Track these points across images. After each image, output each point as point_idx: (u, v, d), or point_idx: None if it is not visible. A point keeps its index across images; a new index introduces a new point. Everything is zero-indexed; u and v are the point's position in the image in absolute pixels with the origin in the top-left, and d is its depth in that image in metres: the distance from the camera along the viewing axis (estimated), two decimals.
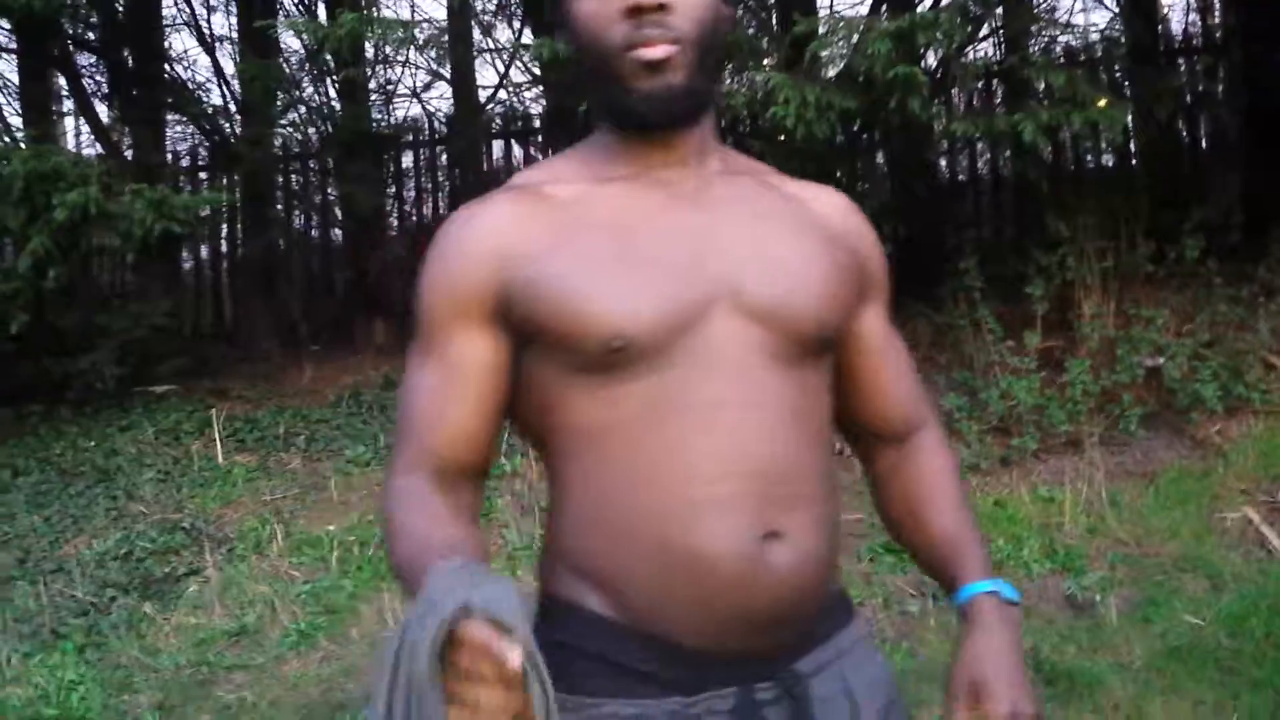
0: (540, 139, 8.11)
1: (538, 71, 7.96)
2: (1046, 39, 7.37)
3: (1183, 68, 7.37)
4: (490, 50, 8.24)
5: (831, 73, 5.56)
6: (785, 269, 1.13)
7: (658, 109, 1.11)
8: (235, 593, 4.17)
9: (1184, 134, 7.24)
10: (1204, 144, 7.30)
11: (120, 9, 7.49)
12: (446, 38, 7.40)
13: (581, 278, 1.09)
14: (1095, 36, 7.74)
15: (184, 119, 8.06)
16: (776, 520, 1.07)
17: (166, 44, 8.13)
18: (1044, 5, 7.85)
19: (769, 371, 1.10)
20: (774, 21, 7.25)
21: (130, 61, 7.52)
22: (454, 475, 1.13)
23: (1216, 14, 7.62)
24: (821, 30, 5.29)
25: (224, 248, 8.19)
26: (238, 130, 7.88)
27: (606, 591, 1.10)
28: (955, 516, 1.24)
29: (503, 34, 8.21)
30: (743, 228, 1.15)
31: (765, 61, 6.27)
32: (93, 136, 7.64)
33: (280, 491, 4.93)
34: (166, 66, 7.92)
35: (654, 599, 1.08)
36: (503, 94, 8.41)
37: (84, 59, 7.70)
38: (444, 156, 8.25)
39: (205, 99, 8.12)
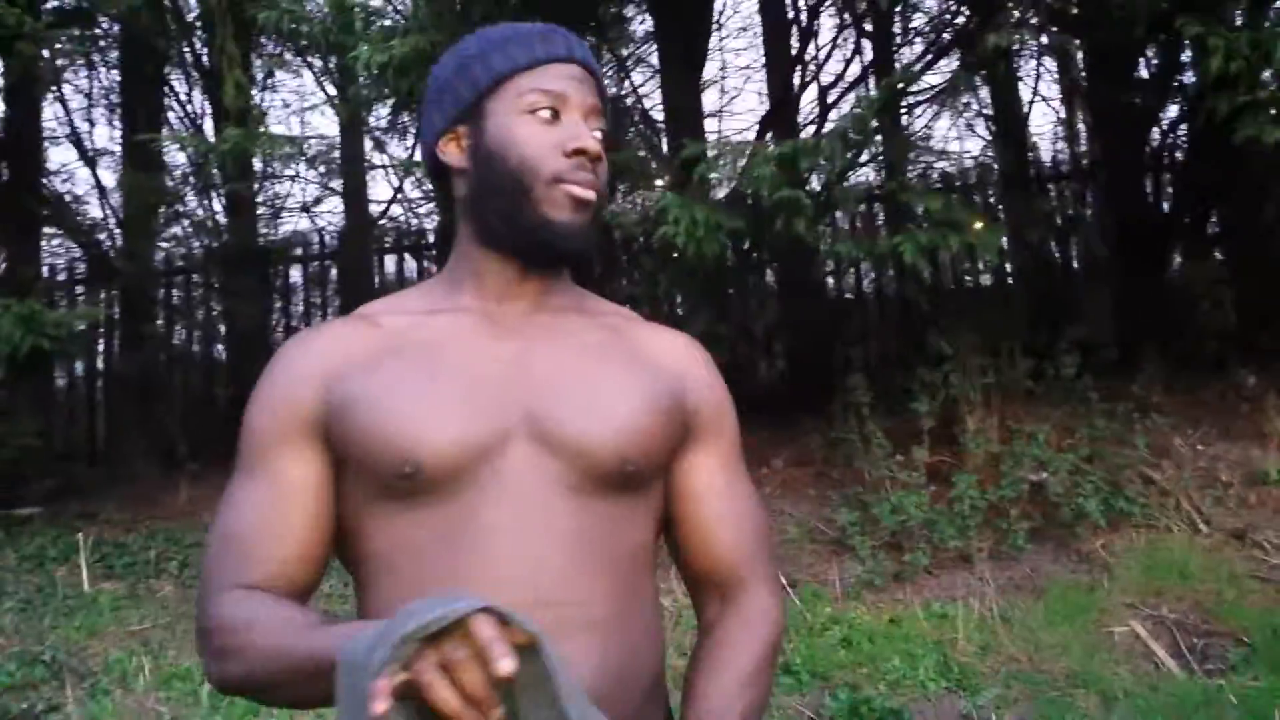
0: (434, 253, 8.10)
1: (431, 187, 7.99)
2: (924, 165, 7.69)
3: (1053, 192, 7.72)
4: (382, 166, 8.27)
5: (720, 194, 5.68)
6: (589, 402, 1.14)
7: (572, 243, 1.16)
8: None
9: (1057, 255, 7.54)
10: (1076, 264, 7.61)
11: None
12: (337, 153, 7.40)
13: (383, 403, 1.10)
14: (969, 163, 8.10)
15: (60, 232, 7.85)
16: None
17: (45, 156, 7.95)
18: (920, 133, 8.19)
19: (561, 501, 1.10)
20: (664, 144, 7.41)
21: (6, 173, 7.32)
22: (282, 593, 1.10)
23: (1083, 142, 8.03)
24: (710, 154, 5.41)
25: (100, 364, 7.92)
26: (117, 244, 7.69)
27: None
28: (724, 700, 1.12)
29: (397, 148, 8.24)
30: (554, 358, 1.16)
31: (656, 182, 6.39)
32: None
33: (149, 620, 4.67)
34: (44, 179, 7.73)
35: None
36: (397, 209, 8.41)
37: None
38: (333, 270, 8.16)
39: (84, 213, 7.93)
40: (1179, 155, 7.11)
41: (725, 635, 1.18)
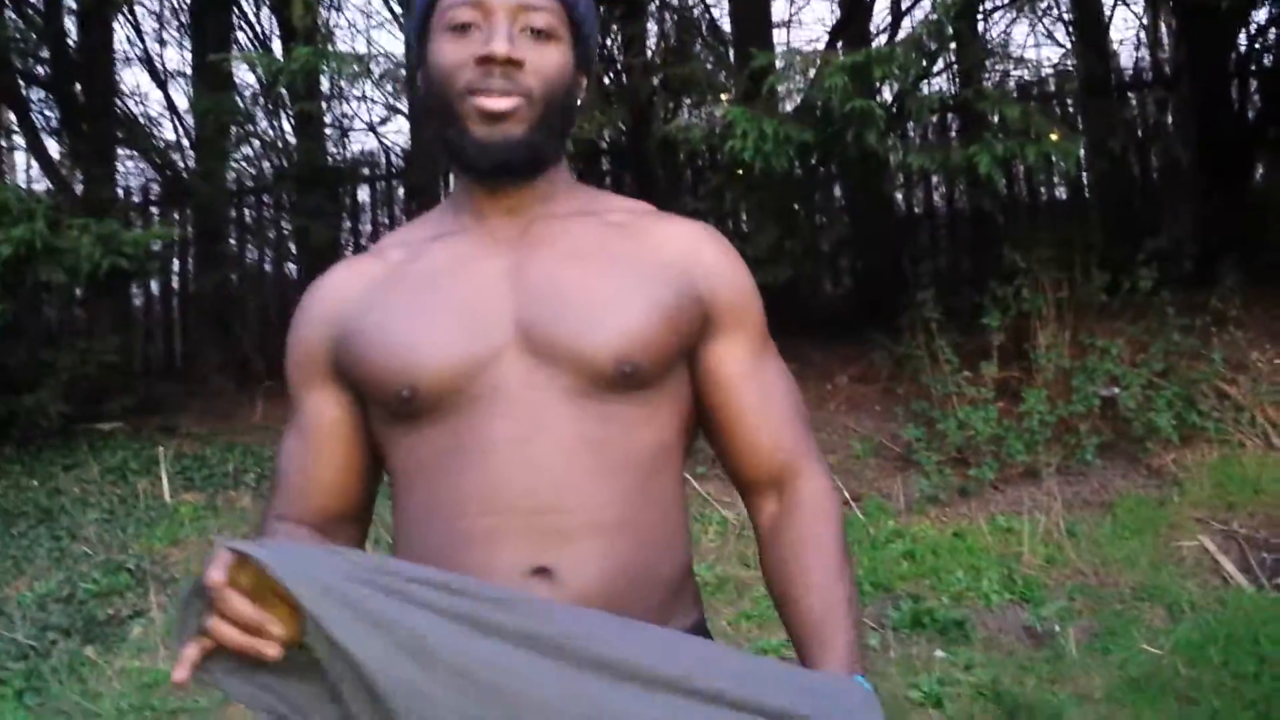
0: None
1: None
2: (1000, 73, 7.46)
3: (1134, 101, 7.47)
4: None
5: (789, 106, 5.58)
6: (582, 306, 1.13)
7: (492, 157, 1.14)
8: None
9: (1136, 166, 7.32)
10: (1156, 176, 7.38)
11: (72, 44, 7.42)
12: (403, 71, 7.38)
13: (380, 333, 1.16)
14: (1048, 71, 7.85)
15: (135, 154, 7.97)
16: (544, 555, 1.07)
17: (118, 79, 8.05)
18: (997, 40, 7.94)
19: (562, 408, 1.11)
20: (730, 56, 7.29)
21: (81, 96, 7.43)
22: (326, 523, 1.23)
23: (1166, 49, 7.74)
24: (778, 65, 5.32)
25: (175, 283, 8.08)
26: (190, 165, 7.80)
27: None
28: (824, 596, 1.12)
29: None
30: (550, 269, 1.16)
31: (723, 96, 6.30)
32: (42, 172, 7.53)
33: (229, 531, 4.82)
34: (118, 101, 7.84)
35: None
36: None
37: (34, 94, 7.61)
38: (401, 190, 8.20)
39: (157, 134, 8.04)
40: (1266, 61, 6.82)
41: (802, 530, 1.18)
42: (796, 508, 1.20)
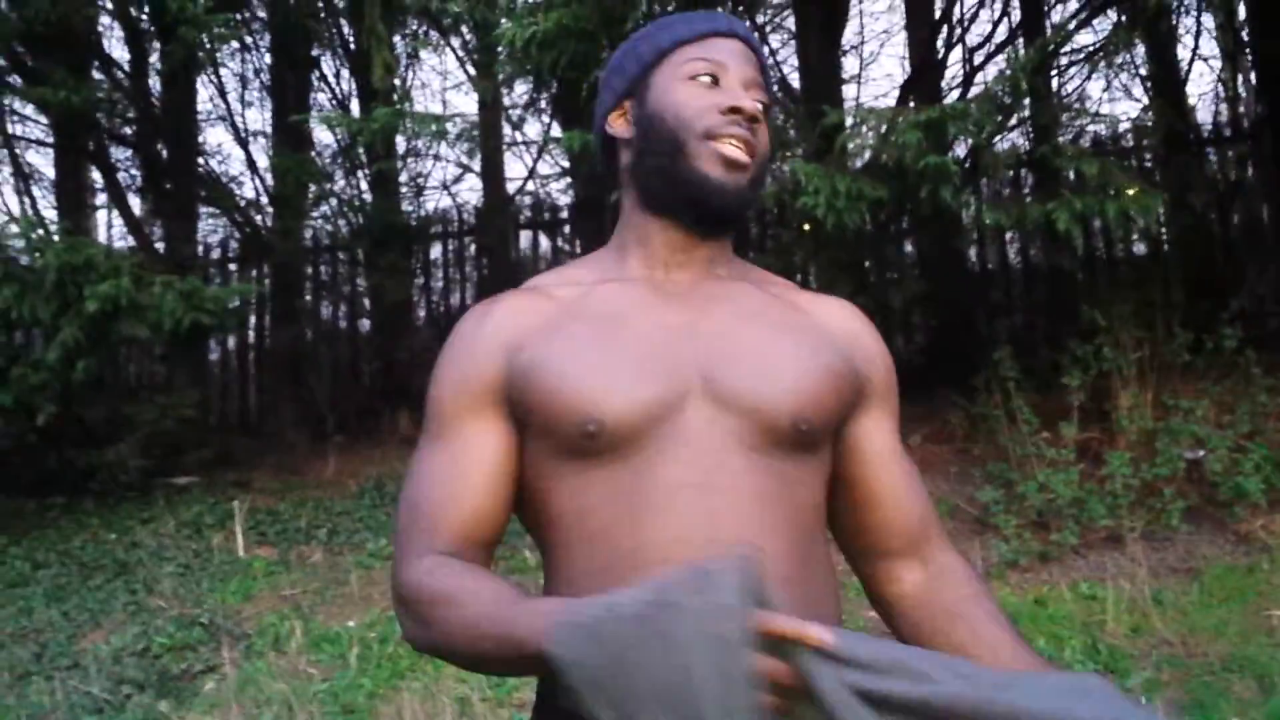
0: (568, 229, 8.15)
1: (566, 164, 8.05)
2: (1076, 128, 7.38)
3: (1213, 156, 7.34)
4: (519, 143, 8.35)
5: (859, 163, 5.56)
6: (762, 363, 1.15)
7: (726, 201, 1.18)
8: (252, 691, 4.06)
9: (1217, 223, 7.17)
10: (1237, 232, 7.23)
11: (156, 104, 7.64)
12: (477, 131, 7.50)
13: (564, 367, 1.13)
14: (1125, 126, 7.74)
15: (216, 211, 8.17)
16: None
17: (201, 138, 8.28)
18: (1073, 95, 7.87)
19: (739, 459, 1.11)
20: (803, 112, 7.30)
21: (164, 155, 7.64)
22: (470, 554, 1.14)
23: (1245, 104, 7.61)
24: (849, 121, 5.31)
25: (251, 338, 8.23)
26: (269, 222, 7.96)
27: None
28: (1013, 645, 1.13)
29: (532, 128, 8.32)
30: (726, 323, 1.18)
31: (795, 152, 6.30)
32: (125, 229, 7.74)
33: (300, 586, 4.85)
34: (200, 160, 8.04)
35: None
36: (531, 185, 8.49)
37: (119, 152, 7.84)
38: (472, 247, 8.30)
39: (238, 192, 8.23)
40: None
41: (961, 590, 1.19)
42: (947, 571, 1.21)
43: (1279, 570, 4.09)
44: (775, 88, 8.06)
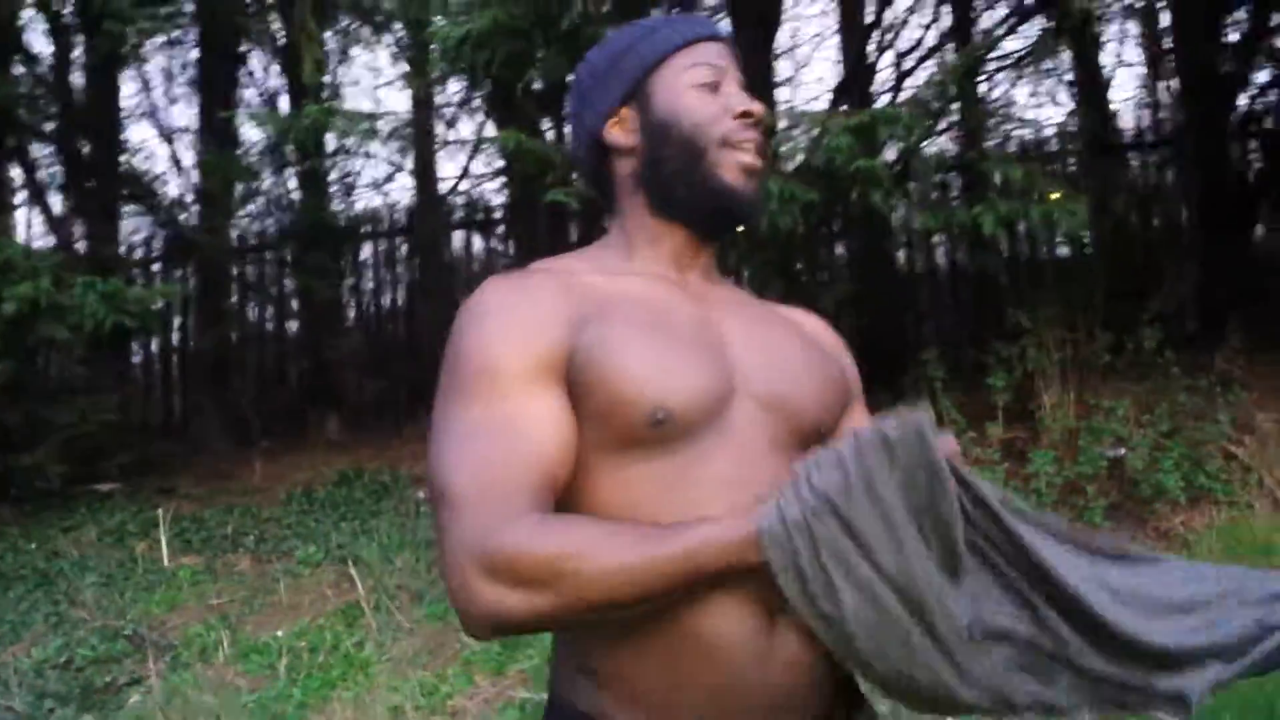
0: (501, 230, 8.11)
1: (500, 164, 8.00)
2: (1003, 134, 7.50)
3: (1136, 161, 7.50)
4: (453, 143, 8.29)
5: (791, 166, 5.60)
6: (788, 368, 1.19)
7: (745, 208, 1.22)
8: (179, 703, 3.98)
9: (1138, 226, 7.33)
10: (1157, 235, 7.39)
11: (79, 99, 7.47)
12: (409, 130, 7.43)
13: (629, 351, 1.09)
14: (1050, 131, 7.89)
15: (140, 210, 8.00)
16: (778, 601, 1.02)
17: (125, 135, 8.10)
18: (1000, 101, 7.99)
19: (771, 457, 1.12)
20: None
21: (87, 152, 7.47)
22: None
23: (1167, 109, 7.79)
24: (782, 124, 5.34)
25: (176, 340, 8.07)
26: (194, 222, 7.82)
27: (614, 689, 1.08)
28: None
29: (466, 127, 8.26)
30: (744, 327, 1.21)
31: None
32: (46, 228, 7.56)
33: (227, 595, 4.77)
34: (124, 157, 7.88)
35: (664, 694, 1.06)
36: (464, 185, 8.44)
37: (40, 149, 7.65)
38: (404, 248, 8.22)
39: (162, 190, 8.08)
40: (1267, 122, 6.86)
41: None
42: None
43: None
44: None
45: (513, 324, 1.09)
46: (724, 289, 1.28)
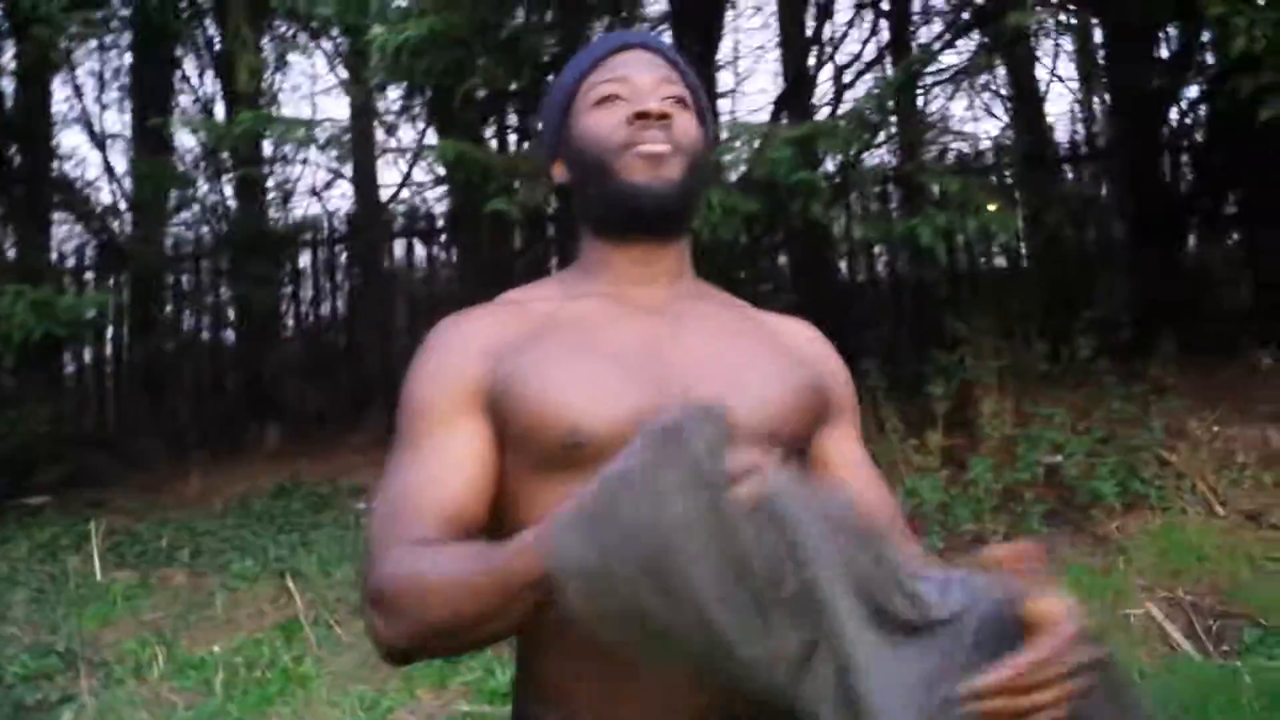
0: (443, 238, 8.06)
1: (441, 172, 7.95)
2: (940, 146, 7.61)
3: (1070, 174, 7.64)
4: (393, 150, 8.23)
5: (734, 176, 5.63)
6: (735, 379, 1.16)
7: (654, 197, 1.19)
8: None
9: (1073, 238, 7.46)
10: (1092, 247, 7.54)
11: (8, 105, 7.31)
12: (348, 137, 7.36)
13: (546, 377, 1.13)
14: (986, 144, 8.01)
15: (71, 217, 7.84)
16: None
17: (55, 141, 7.94)
18: (937, 114, 8.11)
19: None
20: None
21: (16, 159, 7.31)
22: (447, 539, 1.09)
23: (1100, 124, 7.95)
24: (725, 136, 5.37)
25: (109, 350, 7.91)
26: (127, 229, 7.69)
27: (557, 702, 1.11)
28: None
29: (406, 134, 8.19)
30: (700, 340, 1.20)
31: None
32: None
33: (162, 610, 4.68)
34: (54, 164, 7.72)
35: (597, 704, 1.09)
36: (405, 193, 8.37)
37: None
38: (344, 256, 8.14)
39: (94, 197, 7.93)
40: (1197, 136, 7.02)
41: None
42: None
43: (1134, 570, 4.26)
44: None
45: (440, 365, 1.17)
46: (691, 300, 1.26)
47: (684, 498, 0.80)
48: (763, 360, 1.21)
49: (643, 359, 1.16)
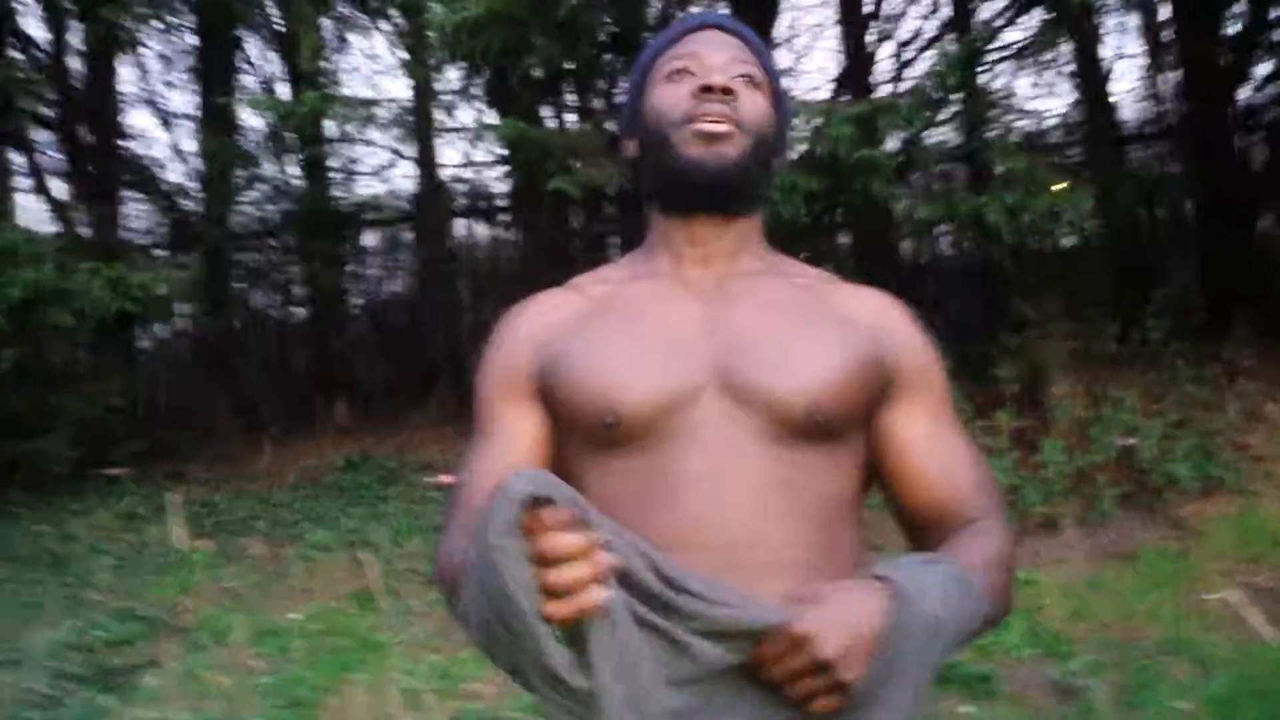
0: (504, 217, 8.10)
1: (502, 151, 7.99)
2: (1004, 124, 7.53)
3: (1138, 151, 7.53)
4: (453, 130, 8.27)
5: (794, 155, 5.61)
6: (780, 356, 1.16)
7: (707, 173, 1.19)
8: (195, 685, 3.98)
9: (1143, 217, 7.36)
10: (1162, 227, 7.43)
11: (77, 86, 7.43)
12: (410, 117, 7.41)
13: (587, 361, 1.18)
14: (1051, 123, 7.91)
15: (142, 196, 7.96)
16: (745, 590, 1.04)
17: (124, 121, 8.06)
18: (1001, 92, 8.01)
19: (755, 450, 1.13)
20: None
21: (87, 138, 7.43)
22: None
23: (1168, 101, 7.82)
24: None
25: (182, 327, 8.04)
26: (197, 208, 7.79)
27: None
28: (967, 554, 1.12)
29: (466, 114, 8.23)
30: (747, 317, 1.20)
31: None
32: (49, 214, 7.51)
33: (241, 578, 4.77)
34: (123, 143, 7.84)
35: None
36: (467, 172, 8.41)
37: (40, 135, 7.60)
38: (407, 235, 8.21)
39: (164, 176, 8.04)
40: (1268, 115, 6.90)
41: (958, 537, 1.15)
42: (971, 528, 1.17)
43: (1211, 555, 4.23)
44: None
45: (495, 359, 1.26)
46: (749, 277, 1.25)
47: (497, 568, 0.90)
48: (809, 338, 1.19)
49: (684, 341, 1.18)
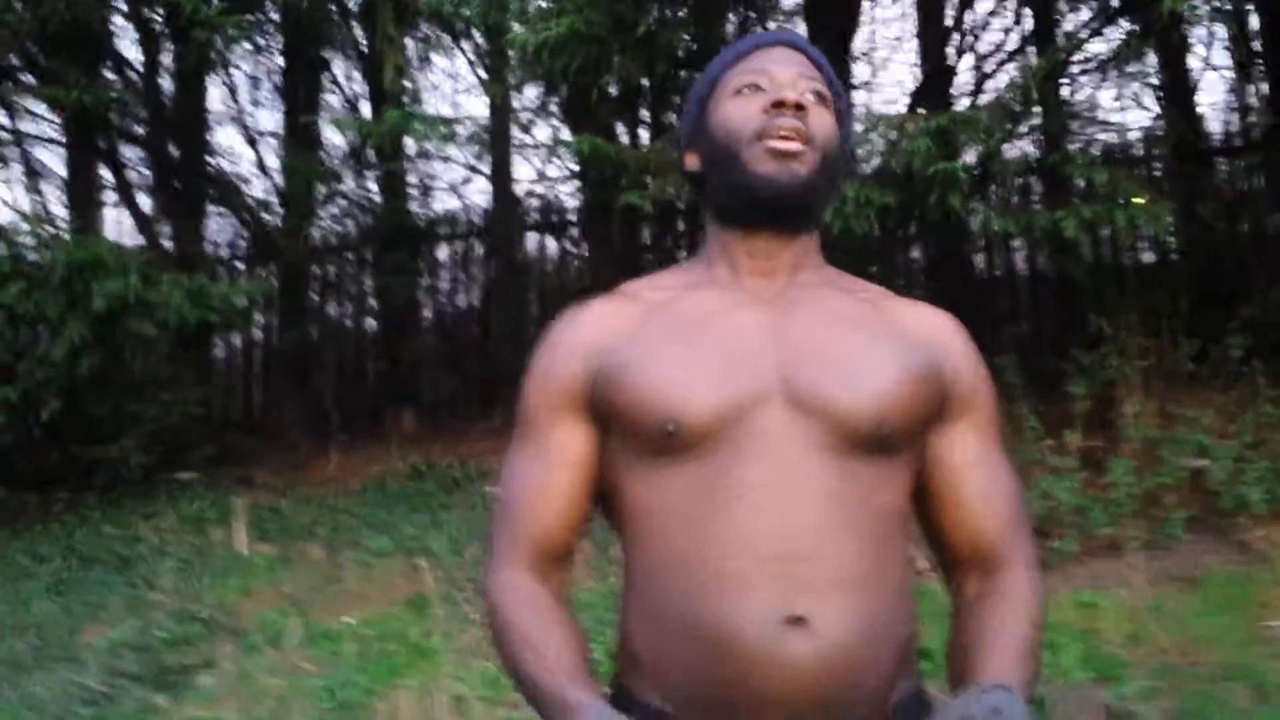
0: (576, 232, 8.16)
1: (575, 167, 8.05)
2: (1086, 137, 7.36)
3: (1223, 166, 7.30)
4: (528, 146, 8.36)
5: (868, 169, 5.55)
6: (843, 367, 1.17)
7: (778, 190, 1.20)
8: (249, 686, 4.06)
9: (1225, 233, 7.12)
10: (1245, 242, 7.18)
11: (167, 104, 7.68)
12: (488, 135, 7.52)
13: (647, 368, 1.18)
14: (1134, 134, 7.71)
15: (225, 210, 8.20)
16: (800, 603, 1.07)
17: (211, 138, 8.31)
18: (1083, 104, 7.84)
19: (816, 461, 1.13)
20: None
21: (175, 154, 7.67)
22: (550, 559, 1.22)
23: (1256, 114, 7.57)
24: (860, 128, 5.30)
25: (257, 336, 8.25)
26: (277, 223, 7.99)
27: (651, 676, 1.15)
28: (1006, 663, 1.12)
29: (541, 131, 8.32)
30: (808, 329, 1.21)
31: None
32: (134, 227, 7.77)
33: (300, 582, 4.86)
34: (210, 159, 8.08)
35: (688, 683, 1.11)
36: (539, 188, 8.50)
37: (129, 151, 7.88)
38: (479, 249, 8.31)
39: (246, 191, 8.26)
40: None
41: (996, 611, 1.18)
42: (1000, 592, 1.20)
43: (1277, 581, 4.06)
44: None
45: (541, 368, 1.26)
46: (809, 289, 1.26)
47: None
48: (873, 351, 1.20)
49: (747, 349, 1.18)
